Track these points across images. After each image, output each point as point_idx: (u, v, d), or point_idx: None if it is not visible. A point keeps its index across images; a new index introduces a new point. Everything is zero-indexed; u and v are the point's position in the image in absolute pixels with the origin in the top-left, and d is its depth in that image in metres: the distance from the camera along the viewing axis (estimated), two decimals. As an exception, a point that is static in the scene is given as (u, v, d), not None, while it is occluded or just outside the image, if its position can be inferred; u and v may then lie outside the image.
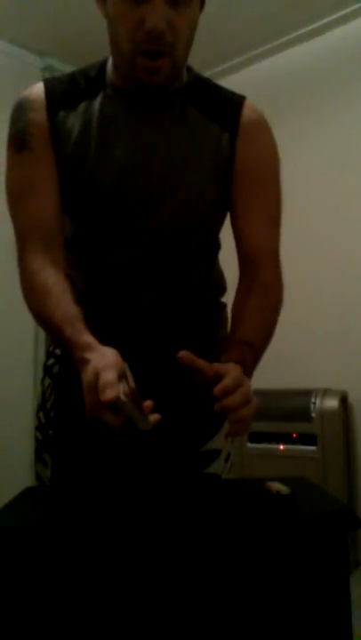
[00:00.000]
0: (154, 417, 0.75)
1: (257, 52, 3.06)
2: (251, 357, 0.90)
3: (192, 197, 0.97)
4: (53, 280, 0.90)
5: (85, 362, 0.77)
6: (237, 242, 1.02)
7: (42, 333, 2.90)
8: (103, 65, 1.01)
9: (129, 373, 0.77)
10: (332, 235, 2.75)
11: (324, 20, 2.82)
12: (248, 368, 0.88)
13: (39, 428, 1.05)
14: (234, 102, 1.00)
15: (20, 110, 0.97)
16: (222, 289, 1.11)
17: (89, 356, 0.78)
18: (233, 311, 0.98)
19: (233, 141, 0.98)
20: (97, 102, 0.97)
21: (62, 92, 0.98)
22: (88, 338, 0.82)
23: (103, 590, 0.63)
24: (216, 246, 1.09)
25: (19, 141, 0.96)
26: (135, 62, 0.89)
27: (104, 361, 0.75)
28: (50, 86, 0.98)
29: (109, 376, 0.72)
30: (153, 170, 0.95)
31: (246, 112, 0.99)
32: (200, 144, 0.97)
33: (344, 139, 2.77)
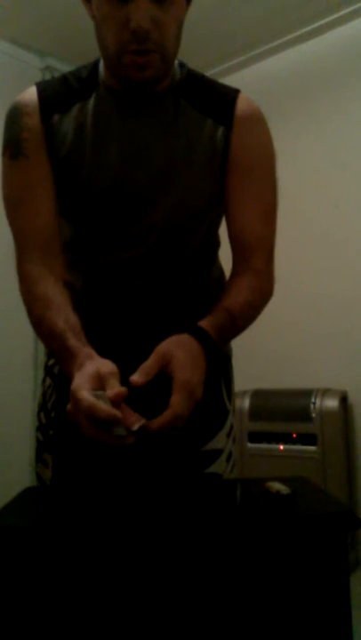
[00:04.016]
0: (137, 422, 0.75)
1: (257, 52, 3.06)
2: (229, 327, 0.92)
3: (188, 194, 0.97)
4: (53, 290, 0.91)
5: (71, 377, 0.79)
6: (230, 235, 1.01)
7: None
8: (95, 65, 1.00)
9: (113, 382, 0.77)
10: (331, 234, 2.75)
11: (324, 20, 2.82)
12: (224, 335, 0.91)
13: (40, 428, 1.05)
14: (228, 96, 1.00)
15: (14, 116, 0.97)
16: (223, 287, 1.10)
17: (76, 372, 0.79)
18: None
19: (228, 135, 0.97)
20: (90, 103, 0.97)
21: (55, 95, 0.97)
22: (89, 349, 0.83)
23: (103, 590, 0.63)
24: (215, 243, 1.09)
25: (13, 148, 0.96)
26: (122, 60, 0.89)
27: (80, 379, 0.77)
28: (42, 89, 0.98)
29: (80, 395, 0.73)
30: (148, 169, 0.95)
31: (241, 105, 0.99)
32: (195, 140, 0.97)
33: (344, 138, 2.77)
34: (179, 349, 0.82)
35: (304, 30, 2.89)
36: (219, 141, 0.97)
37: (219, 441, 1.01)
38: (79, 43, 2.80)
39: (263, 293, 0.99)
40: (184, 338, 0.86)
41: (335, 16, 2.79)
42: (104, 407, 0.71)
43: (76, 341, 0.84)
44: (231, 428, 1.05)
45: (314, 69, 2.90)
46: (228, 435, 1.04)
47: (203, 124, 0.98)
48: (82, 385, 0.75)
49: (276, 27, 2.90)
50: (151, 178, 0.95)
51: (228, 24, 2.80)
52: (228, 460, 1.02)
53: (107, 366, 0.78)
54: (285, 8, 2.75)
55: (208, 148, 0.97)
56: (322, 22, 2.83)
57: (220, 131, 0.97)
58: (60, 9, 2.66)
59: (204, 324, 0.89)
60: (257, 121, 1.01)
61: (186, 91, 0.99)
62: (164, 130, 0.97)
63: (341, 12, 2.77)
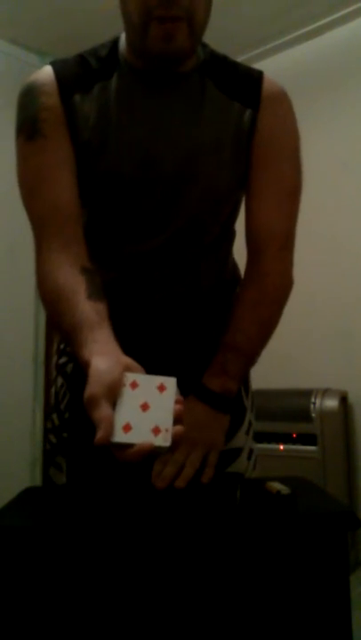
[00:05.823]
0: (176, 429, 0.64)
1: (257, 51, 3.06)
2: (236, 363, 0.93)
3: (214, 182, 0.93)
4: (64, 281, 0.82)
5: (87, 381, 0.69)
6: (246, 223, 0.98)
7: (42, 333, 2.89)
8: (115, 43, 0.94)
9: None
10: (331, 234, 2.75)
11: (324, 20, 2.82)
12: (232, 374, 0.91)
13: (53, 430, 1.01)
14: (253, 77, 0.97)
15: (30, 95, 0.89)
16: (237, 280, 1.07)
17: (89, 375, 0.68)
18: (232, 306, 0.97)
19: (255, 116, 0.94)
20: (112, 84, 0.90)
21: (74, 75, 0.90)
22: (86, 352, 0.72)
23: (103, 590, 0.63)
24: (232, 235, 1.05)
25: (30, 128, 0.88)
26: (148, 30, 0.82)
27: (94, 389, 0.65)
28: (60, 69, 0.91)
29: (98, 414, 0.63)
30: (175, 155, 0.90)
31: (266, 86, 0.96)
32: (222, 125, 0.93)
33: (344, 138, 2.77)
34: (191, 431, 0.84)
35: (304, 30, 2.90)
36: (245, 125, 0.93)
37: (238, 439, 0.98)
38: (79, 43, 2.80)
39: (270, 303, 0.96)
40: (193, 409, 0.88)
41: (335, 16, 2.79)
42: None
43: (78, 346, 0.74)
44: (250, 425, 1.02)
45: (314, 69, 2.90)
46: (247, 432, 1.00)
47: (230, 107, 0.93)
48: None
49: (276, 27, 2.90)
50: (178, 165, 0.90)
51: (228, 24, 2.80)
52: (248, 458, 0.99)
53: (104, 379, 0.67)
54: (285, 8, 2.75)
55: (235, 132, 0.93)
56: (322, 22, 2.84)
57: (248, 114, 0.94)
58: (60, 9, 2.66)
59: (213, 383, 0.91)
60: (282, 101, 0.98)
61: (211, 71, 0.95)
62: (191, 112, 0.92)
63: (341, 12, 2.77)
